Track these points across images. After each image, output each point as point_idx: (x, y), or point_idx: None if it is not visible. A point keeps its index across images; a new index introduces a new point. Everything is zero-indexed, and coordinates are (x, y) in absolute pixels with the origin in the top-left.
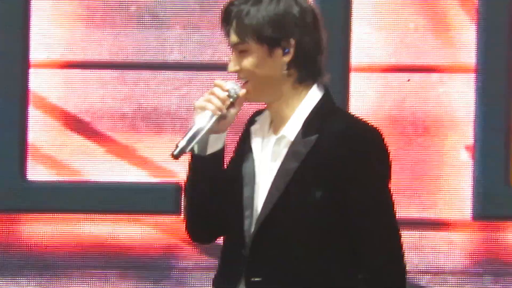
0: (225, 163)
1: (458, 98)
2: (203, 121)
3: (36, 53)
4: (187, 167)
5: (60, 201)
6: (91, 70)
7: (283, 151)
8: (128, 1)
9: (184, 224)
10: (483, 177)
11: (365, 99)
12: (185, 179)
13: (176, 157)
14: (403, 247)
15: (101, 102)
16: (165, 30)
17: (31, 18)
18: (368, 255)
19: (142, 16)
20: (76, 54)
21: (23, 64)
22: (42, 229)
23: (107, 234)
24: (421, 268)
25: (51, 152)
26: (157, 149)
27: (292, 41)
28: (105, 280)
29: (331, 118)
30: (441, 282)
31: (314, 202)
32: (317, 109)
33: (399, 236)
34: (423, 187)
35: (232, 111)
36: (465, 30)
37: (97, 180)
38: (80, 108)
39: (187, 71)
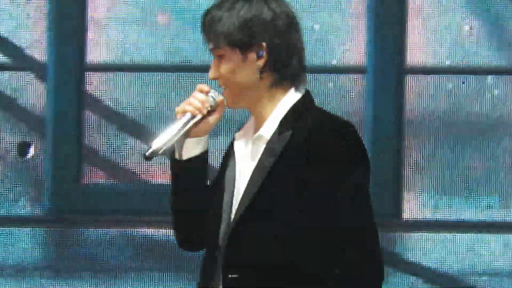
0: (209, 169)
1: None
2: (180, 122)
3: (91, 56)
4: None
5: (114, 203)
6: (147, 72)
7: (260, 150)
8: (184, 6)
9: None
10: None
11: (420, 101)
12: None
13: (148, 158)
14: (379, 243)
15: (157, 105)
16: None
17: (87, 21)
18: (344, 250)
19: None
20: (132, 56)
21: (79, 67)
22: (98, 231)
23: (163, 236)
24: (478, 270)
25: (106, 155)
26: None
27: (264, 45)
28: (161, 282)
29: (306, 115)
30: (498, 284)
31: (290, 197)
32: (293, 108)
33: (375, 230)
34: (478, 190)
35: (213, 116)
36: None
37: (152, 182)
38: (135, 111)
39: None
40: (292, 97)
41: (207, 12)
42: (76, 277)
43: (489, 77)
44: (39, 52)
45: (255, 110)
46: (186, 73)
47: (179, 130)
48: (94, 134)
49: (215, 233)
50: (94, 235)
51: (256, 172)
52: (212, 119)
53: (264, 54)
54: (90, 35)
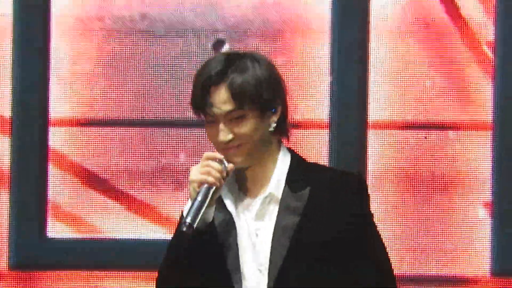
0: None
1: (475, 155)
2: (203, 195)
3: (55, 111)
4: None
5: (79, 258)
6: (110, 127)
7: (270, 209)
8: (145, 58)
9: (157, 281)
10: (501, 233)
11: (382, 156)
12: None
13: (187, 233)
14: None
15: (120, 159)
16: (182, 88)
17: (50, 76)
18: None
19: (161, 75)
20: (95, 112)
21: (43, 121)
22: (62, 286)
23: None
24: None
25: (71, 209)
26: (175, 205)
27: (279, 102)
28: None
29: (314, 171)
30: None
31: (321, 253)
32: (294, 165)
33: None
34: (441, 244)
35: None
36: (482, 88)
37: (116, 237)
38: (99, 166)
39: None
40: (285, 154)
41: (214, 74)
42: None
43: (450, 132)
44: (1, 106)
45: (259, 167)
46: (148, 128)
47: (206, 202)
48: (58, 188)
49: None
50: None
51: (280, 232)
52: (221, 186)
53: (278, 109)
54: (53, 88)
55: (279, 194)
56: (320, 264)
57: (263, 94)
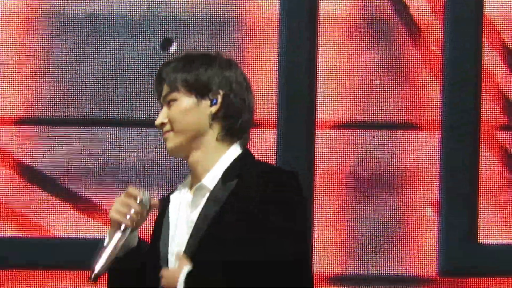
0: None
1: (423, 155)
2: (116, 240)
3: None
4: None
5: (25, 257)
6: (57, 127)
7: (202, 200)
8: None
9: None
10: (448, 233)
11: (330, 155)
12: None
13: (94, 281)
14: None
15: (68, 159)
16: (128, 87)
17: None
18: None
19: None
20: (39, 111)
21: None
22: (9, 286)
23: None
24: None
25: (17, 208)
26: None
27: (221, 93)
28: None
29: (250, 166)
30: None
31: (233, 240)
32: (237, 161)
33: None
34: (388, 244)
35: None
36: (431, 88)
37: (63, 236)
38: (46, 165)
39: (151, 128)
40: (234, 151)
41: (166, 64)
42: None
43: (399, 131)
44: None
45: (197, 160)
46: (95, 128)
47: (118, 246)
48: (4, 187)
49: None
50: None
51: (201, 220)
52: (145, 216)
53: (219, 102)
54: None
55: (211, 185)
56: (229, 249)
57: (195, 79)
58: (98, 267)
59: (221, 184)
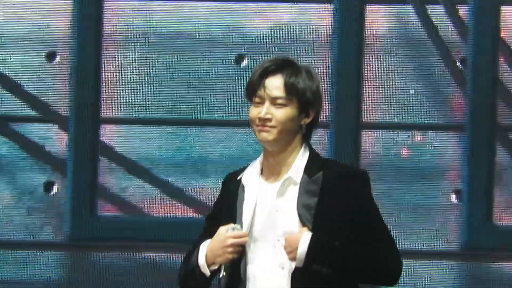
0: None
1: (448, 152)
2: (226, 268)
3: (106, 111)
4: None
5: (124, 232)
6: (150, 126)
7: (289, 190)
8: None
9: (178, 276)
10: (470, 215)
11: (373, 152)
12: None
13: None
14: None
15: (158, 153)
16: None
17: (102, 81)
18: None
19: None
20: (138, 112)
21: (96, 120)
22: (109, 255)
23: (162, 259)
24: None
25: (117, 192)
26: (201, 190)
27: (314, 110)
28: None
29: (327, 164)
30: None
31: (336, 228)
32: (312, 158)
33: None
34: (420, 224)
35: None
36: (456, 96)
37: (153, 215)
38: (141, 157)
39: (227, 127)
40: (306, 150)
41: (276, 62)
42: None
43: (430, 132)
44: (61, 107)
45: (282, 154)
46: (182, 127)
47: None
48: (106, 175)
49: (240, 267)
50: (106, 258)
51: (302, 210)
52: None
53: (311, 117)
54: (104, 92)
55: (298, 179)
56: (338, 236)
57: (307, 97)
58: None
59: (307, 178)
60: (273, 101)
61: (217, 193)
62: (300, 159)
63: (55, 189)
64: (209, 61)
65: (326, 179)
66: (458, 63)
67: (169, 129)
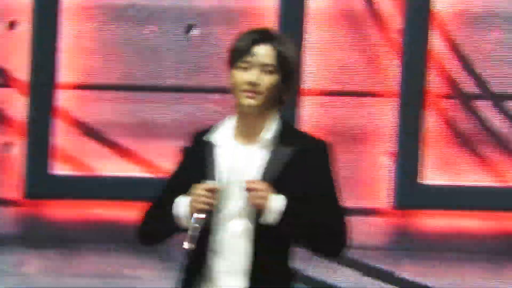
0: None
1: (384, 116)
2: (199, 220)
3: (62, 77)
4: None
5: (77, 190)
6: (105, 91)
7: (258, 156)
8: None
9: (138, 231)
10: (401, 174)
11: (312, 117)
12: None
13: (190, 248)
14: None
15: (111, 116)
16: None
17: (59, 49)
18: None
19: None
20: (94, 77)
21: (52, 85)
22: (63, 212)
23: (114, 216)
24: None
25: (72, 153)
26: (153, 151)
27: (293, 81)
28: (112, 252)
29: (299, 134)
30: (365, 256)
31: (298, 189)
32: (285, 127)
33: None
34: (356, 183)
35: None
36: (391, 64)
37: (106, 175)
38: (95, 120)
39: (177, 93)
40: (280, 118)
41: (266, 31)
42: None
43: (366, 98)
44: (22, 73)
45: (260, 117)
46: (135, 92)
47: (199, 228)
48: (63, 137)
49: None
50: (60, 215)
51: (268, 170)
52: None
53: (290, 87)
54: (62, 58)
55: (269, 146)
56: (296, 196)
57: (291, 67)
58: (188, 245)
59: (278, 145)
60: (263, 67)
61: (168, 153)
62: (274, 127)
63: (13, 149)
64: (160, 30)
65: (296, 149)
66: (394, 35)
67: (122, 94)
